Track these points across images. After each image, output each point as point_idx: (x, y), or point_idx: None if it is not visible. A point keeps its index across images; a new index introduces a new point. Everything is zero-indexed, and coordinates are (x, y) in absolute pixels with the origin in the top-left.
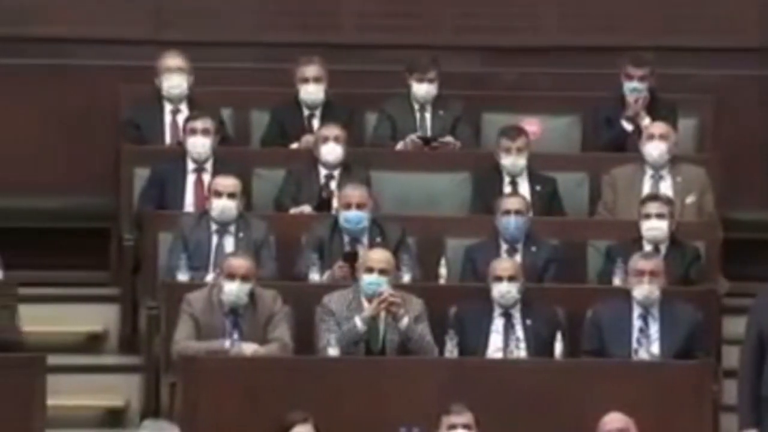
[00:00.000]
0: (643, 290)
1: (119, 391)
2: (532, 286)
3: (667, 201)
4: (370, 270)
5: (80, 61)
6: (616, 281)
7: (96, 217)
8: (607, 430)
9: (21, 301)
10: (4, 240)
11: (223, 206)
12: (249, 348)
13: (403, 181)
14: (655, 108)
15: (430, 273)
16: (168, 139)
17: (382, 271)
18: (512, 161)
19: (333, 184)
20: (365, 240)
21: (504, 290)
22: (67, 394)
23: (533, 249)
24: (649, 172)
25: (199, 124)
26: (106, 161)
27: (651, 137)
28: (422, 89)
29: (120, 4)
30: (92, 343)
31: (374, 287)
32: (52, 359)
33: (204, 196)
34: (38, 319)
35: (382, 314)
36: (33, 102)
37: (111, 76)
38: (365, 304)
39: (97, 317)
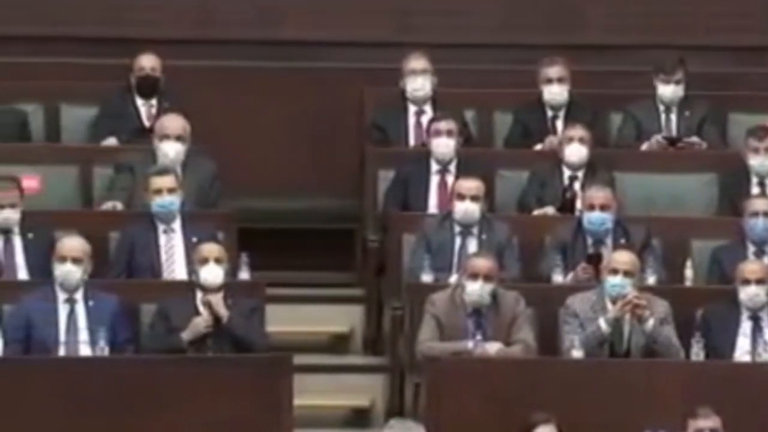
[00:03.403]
0: None
1: (364, 391)
2: None
3: None
4: (614, 272)
5: (326, 63)
6: None
7: (341, 218)
8: None
9: (268, 301)
10: (252, 241)
11: (466, 209)
12: (493, 347)
13: (647, 182)
14: None
15: (675, 275)
16: (412, 140)
17: (626, 273)
18: (761, 162)
19: (577, 186)
20: (609, 242)
21: (752, 293)
22: (313, 393)
23: None
24: None
25: (443, 125)
26: (351, 163)
27: None
28: (668, 90)
29: (364, 6)
30: (337, 343)
31: (619, 289)
32: (298, 359)
33: (447, 197)
34: (285, 320)
35: (627, 316)
36: (280, 104)
37: (356, 78)
38: (609, 305)
39: (343, 318)
